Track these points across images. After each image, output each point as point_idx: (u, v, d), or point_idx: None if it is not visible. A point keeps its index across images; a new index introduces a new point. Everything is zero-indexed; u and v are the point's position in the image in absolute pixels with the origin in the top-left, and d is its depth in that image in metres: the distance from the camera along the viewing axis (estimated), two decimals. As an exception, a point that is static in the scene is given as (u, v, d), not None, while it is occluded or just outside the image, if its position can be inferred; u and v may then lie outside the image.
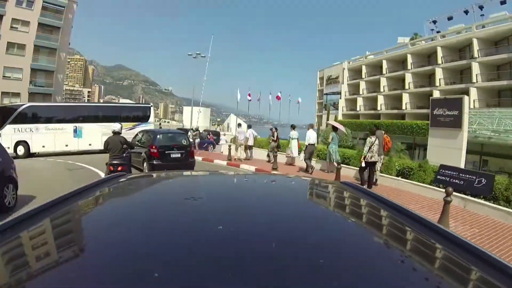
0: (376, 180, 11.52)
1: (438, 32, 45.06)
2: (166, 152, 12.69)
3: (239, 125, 20.16)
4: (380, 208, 1.45)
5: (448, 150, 17.09)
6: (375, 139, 10.64)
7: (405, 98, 43.50)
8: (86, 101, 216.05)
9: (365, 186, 7.86)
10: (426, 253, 1.12)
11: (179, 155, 12.94)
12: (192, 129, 23.58)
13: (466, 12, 43.86)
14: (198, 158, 19.55)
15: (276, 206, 1.49)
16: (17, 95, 43.12)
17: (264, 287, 0.75)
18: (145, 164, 12.83)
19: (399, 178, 12.13)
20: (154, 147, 12.40)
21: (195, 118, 55.70)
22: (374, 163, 10.77)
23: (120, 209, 1.40)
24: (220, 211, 1.31)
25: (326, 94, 61.10)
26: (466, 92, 30.93)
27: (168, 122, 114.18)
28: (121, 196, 1.69)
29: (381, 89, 47.96)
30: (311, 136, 14.62)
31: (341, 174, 11.61)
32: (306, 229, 1.17)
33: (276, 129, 17.59)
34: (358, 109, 52.44)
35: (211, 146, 24.24)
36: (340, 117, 50.29)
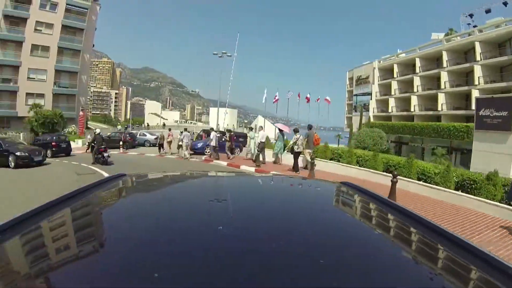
0: (314, 165, 14.04)
1: (475, 26, 42.04)
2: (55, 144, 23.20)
3: (185, 129, 22.84)
4: (380, 208, 1.45)
5: (496, 155, 15.10)
6: (299, 136, 14.69)
7: (441, 98, 40.41)
8: (113, 102, 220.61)
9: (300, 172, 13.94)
10: (426, 253, 1.11)
11: (65, 146, 24.39)
12: (184, 130, 23.06)
13: (505, 3, 40.89)
14: (222, 163, 18.78)
15: (276, 205, 1.50)
16: (41, 96, 43.62)
17: (268, 287, 0.76)
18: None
19: (461, 193, 10.01)
20: (53, 142, 23.50)
21: (222, 119, 54.56)
22: (299, 153, 14.67)
23: (120, 209, 1.40)
24: (220, 211, 1.32)
25: (356, 95, 58.65)
26: (509, 91, 28.27)
27: (195, 123, 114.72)
28: (121, 196, 1.68)
29: (415, 89, 45.03)
30: (262, 136, 18.14)
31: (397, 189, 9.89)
32: (306, 229, 1.17)
33: (230, 131, 23.09)
34: (390, 110, 49.58)
35: (238, 149, 22.98)
36: (371, 119, 48.00)
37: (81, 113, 40.50)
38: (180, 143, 21.84)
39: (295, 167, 14.41)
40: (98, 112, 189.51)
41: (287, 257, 0.91)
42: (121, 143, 28.30)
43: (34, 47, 43.38)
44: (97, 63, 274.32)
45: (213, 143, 20.61)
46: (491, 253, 0.94)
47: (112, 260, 0.86)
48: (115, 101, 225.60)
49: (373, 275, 0.86)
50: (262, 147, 18.08)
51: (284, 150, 17.90)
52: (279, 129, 19.30)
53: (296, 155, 14.60)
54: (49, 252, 0.97)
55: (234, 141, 21.43)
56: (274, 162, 18.17)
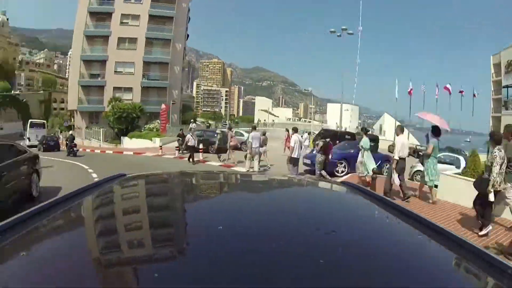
0: None
1: None
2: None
3: (230, 128, 17.20)
4: (381, 209, 1.45)
5: None
6: (501, 153, 5.89)
7: None
8: (224, 99, 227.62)
9: None
10: (427, 253, 1.11)
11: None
12: (228, 129, 17.32)
13: None
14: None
15: (278, 206, 1.49)
16: (129, 89, 42.13)
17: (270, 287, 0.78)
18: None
19: None
20: None
21: (338, 118, 45.89)
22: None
23: (119, 209, 1.43)
24: (220, 211, 1.33)
25: (506, 86, 41.18)
26: None
27: (310, 121, 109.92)
28: (121, 196, 1.68)
29: None
30: (402, 146, 9.00)
31: None
32: (308, 229, 1.17)
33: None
34: None
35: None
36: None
37: (163, 106, 35.39)
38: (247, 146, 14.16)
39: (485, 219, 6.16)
40: (209, 110, 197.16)
41: (289, 257, 0.91)
42: (201, 146, 18.70)
43: (121, 40, 42.44)
44: (208, 63, 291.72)
45: (294, 154, 11.76)
46: (491, 253, 0.94)
47: (112, 260, 0.88)
48: (227, 99, 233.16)
49: (374, 275, 0.86)
50: (402, 167, 9.02)
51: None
52: (433, 129, 9.16)
53: (493, 197, 5.96)
54: (49, 252, 0.96)
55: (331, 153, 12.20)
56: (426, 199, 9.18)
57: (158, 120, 35.45)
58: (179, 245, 0.98)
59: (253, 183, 2.07)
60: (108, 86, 41.67)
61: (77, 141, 27.93)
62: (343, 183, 1.93)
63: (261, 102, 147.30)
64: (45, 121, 44.68)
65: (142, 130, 33.53)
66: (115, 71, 42.12)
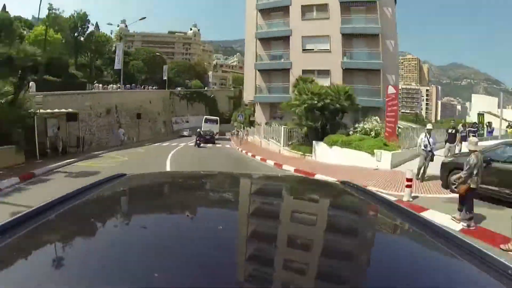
0: None
1: None
2: None
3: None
4: (380, 207, 1.47)
5: None
6: None
7: None
8: (424, 100, 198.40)
9: None
10: (426, 252, 1.12)
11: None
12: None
13: None
14: None
15: (277, 205, 1.58)
16: (325, 72, 29.30)
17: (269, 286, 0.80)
18: None
19: None
20: None
21: None
22: None
23: (120, 209, 1.46)
24: (220, 211, 1.36)
25: None
26: None
27: None
28: (121, 196, 1.71)
29: None
30: None
31: None
32: (307, 227, 1.23)
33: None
34: None
35: None
36: None
37: (392, 90, 18.42)
38: None
39: None
40: (408, 111, 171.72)
41: (287, 256, 0.94)
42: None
43: (306, 8, 31.18)
44: (402, 60, 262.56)
45: None
46: (491, 253, 0.93)
47: (112, 260, 0.88)
48: (427, 99, 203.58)
49: (372, 273, 0.87)
50: None
51: None
52: None
53: None
54: (49, 252, 0.97)
55: None
56: None
57: (376, 117, 19.41)
58: (177, 245, 0.97)
59: (254, 183, 2.06)
60: (294, 69, 29.93)
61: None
62: (342, 182, 1.92)
63: (480, 100, 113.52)
64: (217, 118, 48.61)
65: (351, 132, 18.46)
66: (303, 49, 30.45)
